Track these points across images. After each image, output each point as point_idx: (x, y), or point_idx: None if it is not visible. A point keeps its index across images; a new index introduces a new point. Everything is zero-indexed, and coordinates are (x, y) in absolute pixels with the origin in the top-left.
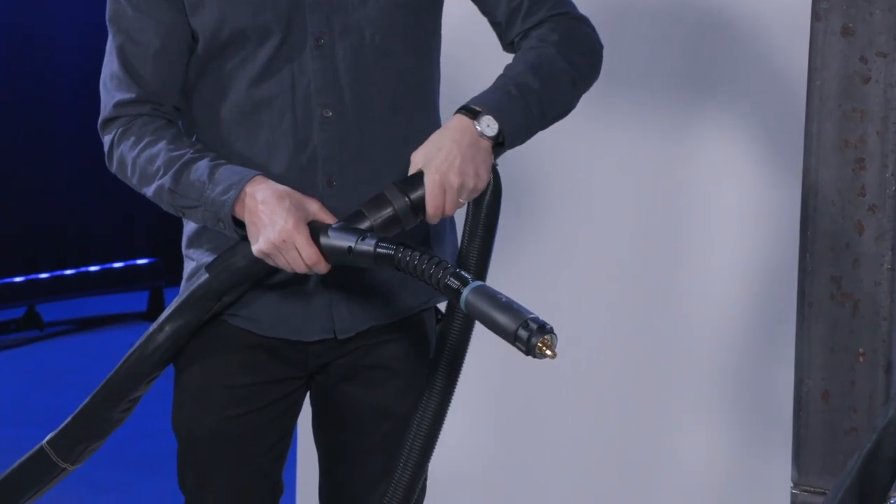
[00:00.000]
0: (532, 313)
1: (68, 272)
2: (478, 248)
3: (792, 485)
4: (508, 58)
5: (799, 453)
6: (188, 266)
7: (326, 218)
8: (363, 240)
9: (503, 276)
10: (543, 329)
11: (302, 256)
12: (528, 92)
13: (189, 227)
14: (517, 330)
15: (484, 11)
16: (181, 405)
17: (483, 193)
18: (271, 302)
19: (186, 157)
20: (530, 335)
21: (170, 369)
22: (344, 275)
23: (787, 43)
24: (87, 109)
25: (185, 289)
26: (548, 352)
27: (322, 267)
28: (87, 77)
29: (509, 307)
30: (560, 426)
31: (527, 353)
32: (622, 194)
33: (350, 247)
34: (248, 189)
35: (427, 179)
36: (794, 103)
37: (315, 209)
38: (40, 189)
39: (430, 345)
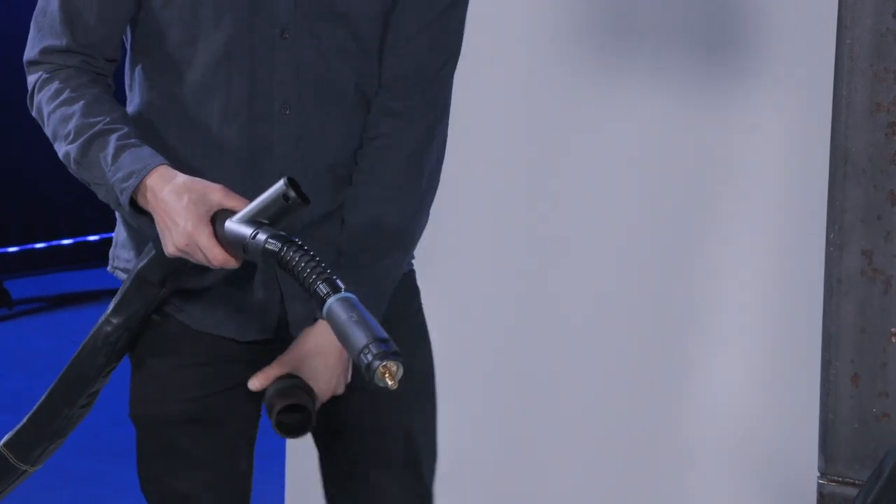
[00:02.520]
0: (383, 335)
1: (38, 245)
2: None
3: (818, 475)
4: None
5: (826, 441)
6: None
7: (234, 204)
8: (257, 234)
9: (507, 268)
10: (385, 355)
11: (208, 258)
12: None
13: None
14: (360, 352)
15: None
16: (140, 390)
17: None
18: (206, 301)
19: (98, 127)
20: (371, 360)
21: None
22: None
23: None
24: None
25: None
26: (388, 380)
27: (232, 264)
28: None
29: (361, 325)
30: (573, 413)
31: (368, 378)
32: (639, 167)
33: (245, 243)
34: (149, 182)
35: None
36: (821, 64)
37: (218, 198)
38: (5, 156)
39: (408, 311)
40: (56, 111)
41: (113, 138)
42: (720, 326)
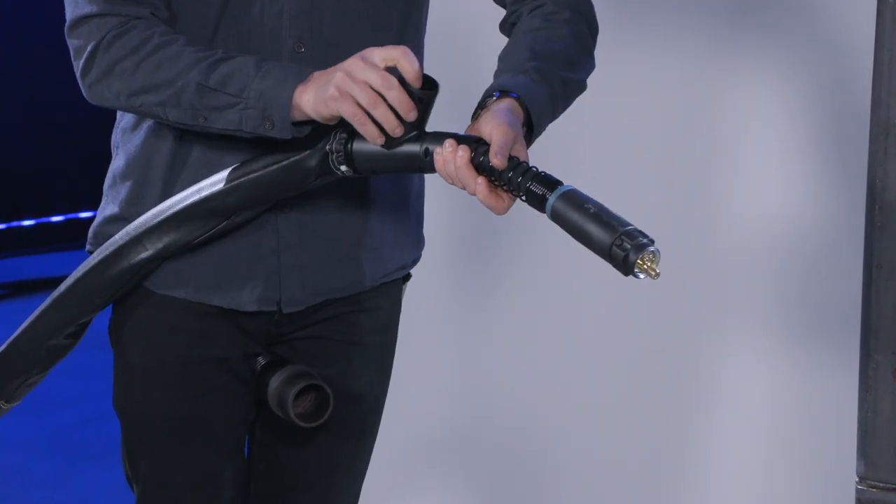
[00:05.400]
0: (629, 224)
1: None
2: None
3: (857, 479)
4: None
5: (866, 442)
6: (105, 210)
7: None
8: (427, 147)
9: (518, 252)
10: (641, 246)
11: (397, 105)
12: (561, 87)
13: (118, 161)
14: (611, 247)
15: None
16: (126, 384)
17: None
18: (206, 262)
19: (218, 54)
20: (626, 254)
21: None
22: (298, 241)
23: None
24: (19, 39)
25: (104, 243)
26: (649, 271)
27: (412, 114)
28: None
29: (600, 217)
30: (597, 411)
31: (624, 273)
32: (660, 146)
33: (421, 164)
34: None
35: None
36: (861, 25)
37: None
38: None
39: (394, 318)
40: (149, 58)
41: (244, 57)
42: (751, 317)
